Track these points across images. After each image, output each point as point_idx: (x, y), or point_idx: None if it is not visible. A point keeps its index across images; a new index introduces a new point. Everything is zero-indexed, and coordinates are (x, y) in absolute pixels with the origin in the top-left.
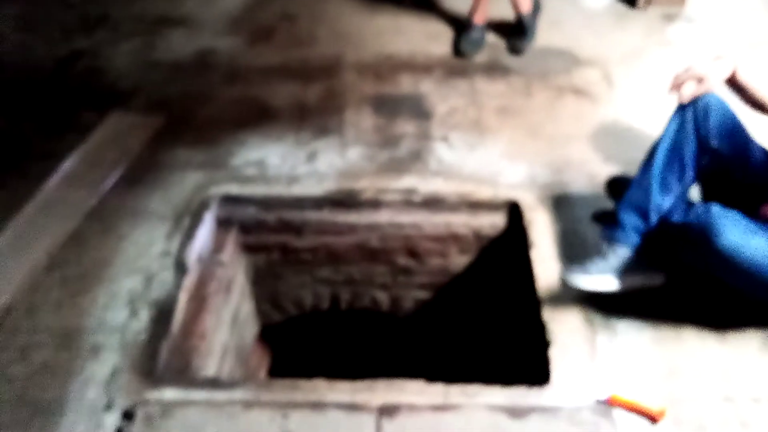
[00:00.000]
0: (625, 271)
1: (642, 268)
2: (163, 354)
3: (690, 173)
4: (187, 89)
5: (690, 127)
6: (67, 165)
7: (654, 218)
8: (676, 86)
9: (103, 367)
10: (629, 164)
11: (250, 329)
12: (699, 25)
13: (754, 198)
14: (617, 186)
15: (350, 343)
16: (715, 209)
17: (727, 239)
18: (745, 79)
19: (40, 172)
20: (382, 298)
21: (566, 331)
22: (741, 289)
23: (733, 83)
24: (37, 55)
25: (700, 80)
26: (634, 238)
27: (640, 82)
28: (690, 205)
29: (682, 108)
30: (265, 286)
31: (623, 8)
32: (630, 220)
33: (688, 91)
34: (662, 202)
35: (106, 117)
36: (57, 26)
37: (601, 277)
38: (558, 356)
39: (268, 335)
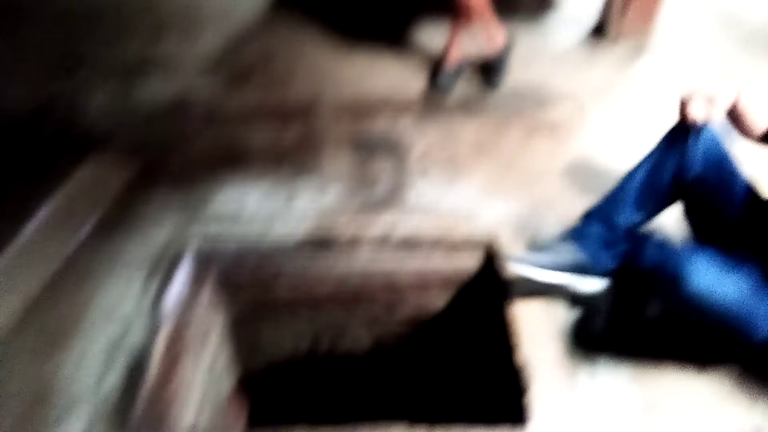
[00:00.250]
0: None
1: (584, 272)
2: (138, 407)
3: (667, 195)
4: (164, 133)
5: (679, 149)
6: (43, 213)
7: (620, 230)
8: (685, 107)
9: (78, 421)
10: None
11: (228, 379)
12: (666, 57)
13: (734, 233)
14: None
15: (333, 387)
16: (685, 252)
17: (696, 284)
18: (746, 103)
19: (17, 216)
20: (363, 340)
21: (546, 369)
22: (715, 328)
23: (734, 108)
24: (14, 102)
25: (710, 101)
26: (591, 246)
27: (612, 116)
28: (662, 245)
29: (675, 130)
30: (243, 334)
31: (592, 44)
32: (594, 228)
33: (700, 113)
34: (633, 217)
35: (82, 163)
36: (33, 72)
37: (539, 269)
38: (538, 394)
39: (248, 384)
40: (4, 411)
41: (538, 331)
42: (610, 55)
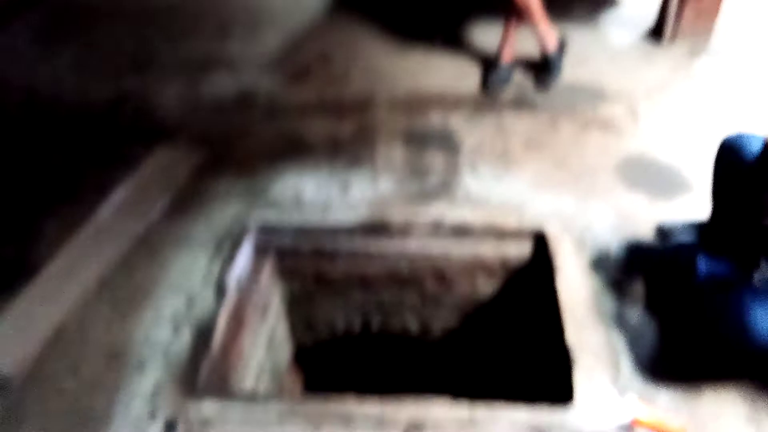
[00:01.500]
0: None
1: None
2: (203, 370)
3: None
4: (229, 126)
5: None
6: (117, 196)
7: None
8: None
9: (147, 382)
10: (652, 195)
11: (285, 351)
12: (725, 58)
13: None
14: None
15: (381, 365)
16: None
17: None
18: None
19: (92, 201)
20: (412, 322)
21: (590, 355)
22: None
23: None
24: (91, 96)
25: None
26: None
27: (666, 115)
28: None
29: None
30: (299, 310)
31: (649, 44)
32: None
33: None
34: None
35: (153, 151)
36: (109, 68)
37: None
38: (582, 379)
39: (302, 358)
40: (84, 368)
41: (584, 317)
42: (666, 56)
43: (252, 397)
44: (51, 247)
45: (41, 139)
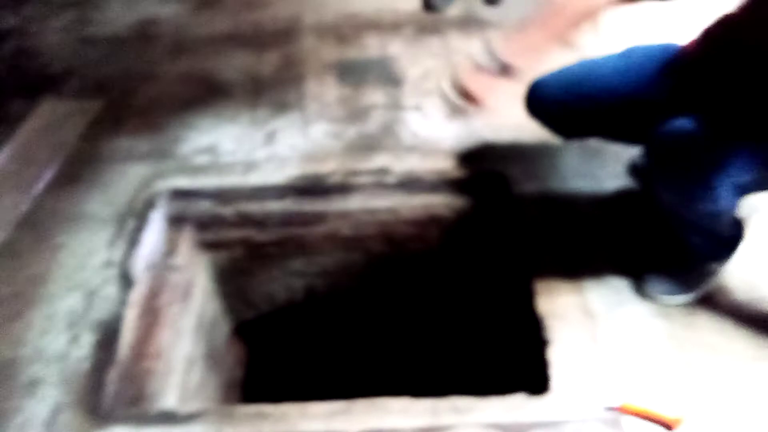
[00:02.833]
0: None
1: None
2: (109, 384)
3: None
4: (128, 67)
5: None
6: None
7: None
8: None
9: (42, 405)
10: None
11: (221, 329)
12: None
13: None
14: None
15: (329, 335)
16: None
17: None
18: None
19: None
20: (359, 286)
21: (566, 327)
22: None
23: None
24: None
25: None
26: None
27: (630, 28)
28: None
29: None
30: (232, 284)
31: None
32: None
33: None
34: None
35: (36, 106)
36: None
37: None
38: (558, 358)
39: (244, 331)
40: None
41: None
42: None
43: (171, 418)
44: None
45: None
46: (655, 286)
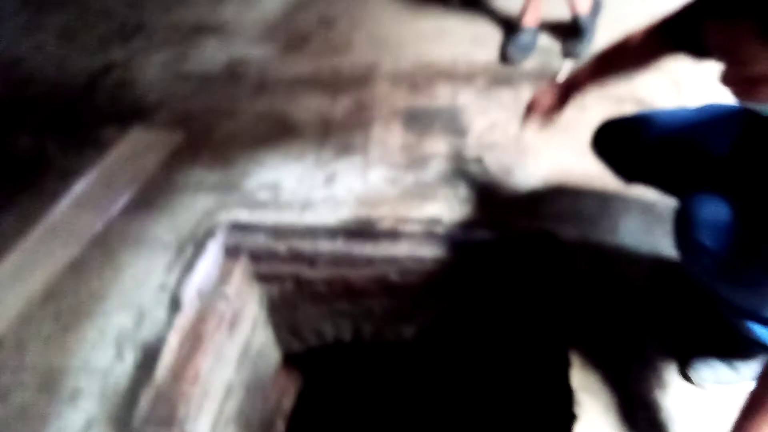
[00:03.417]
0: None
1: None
2: (143, 403)
3: None
4: (212, 103)
5: None
6: (79, 186)
7: None
8: None
9: (78, 416)
10: None
11: (269, 360)
12: None
13: None
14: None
15: (376, 374)
16: None
17: None
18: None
19: (54, 190)
20: (406, 330)
21: (596, 405)
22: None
23: None
24: (72, 68)
25: None
26: None
27: (713, 89)
28: None
29: None
30: (282, 316)
31: None
32: None
33: None
34: None
35: (126, 133)
36: (95, 36)
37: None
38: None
39: (296, 361)
40: (10, 399)
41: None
42: None
43: None
44: (4, 246)
45: (10, 118)
46: (703, 372)
